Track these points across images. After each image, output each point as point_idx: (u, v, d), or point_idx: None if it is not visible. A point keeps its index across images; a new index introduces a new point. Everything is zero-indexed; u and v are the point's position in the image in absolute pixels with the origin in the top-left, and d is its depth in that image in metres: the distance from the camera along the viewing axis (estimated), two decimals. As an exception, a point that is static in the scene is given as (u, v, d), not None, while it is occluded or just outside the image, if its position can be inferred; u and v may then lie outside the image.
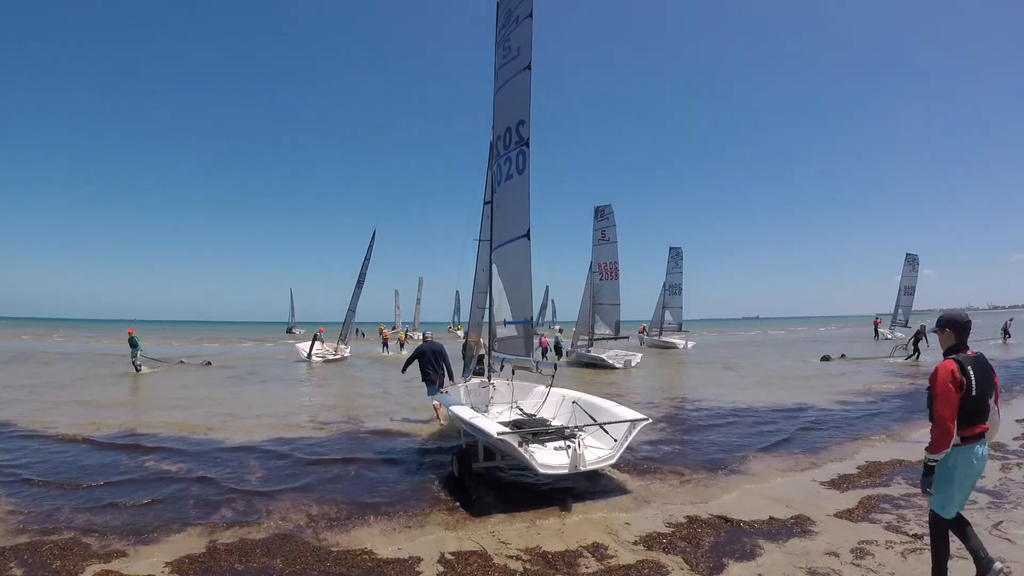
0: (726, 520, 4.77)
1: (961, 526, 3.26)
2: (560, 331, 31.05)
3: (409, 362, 9.25)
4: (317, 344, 25.47)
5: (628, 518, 4.90)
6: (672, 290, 33.17)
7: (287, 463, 6.98)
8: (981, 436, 3.18)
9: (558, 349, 23.93)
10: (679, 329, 32.93)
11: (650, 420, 6.35)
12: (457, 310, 58.27)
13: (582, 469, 5.32)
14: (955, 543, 3.33)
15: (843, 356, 21.34)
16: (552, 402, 7.34)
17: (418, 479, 6.25)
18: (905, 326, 36.95)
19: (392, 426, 9.31)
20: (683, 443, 7.82)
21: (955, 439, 3.12)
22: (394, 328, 37.25)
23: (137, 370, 17.94)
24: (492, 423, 6.00)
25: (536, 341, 22.52)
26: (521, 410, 7.27)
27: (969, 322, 3.33)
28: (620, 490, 5.70)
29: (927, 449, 3.17)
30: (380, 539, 4.51)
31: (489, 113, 7.50)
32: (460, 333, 50.85)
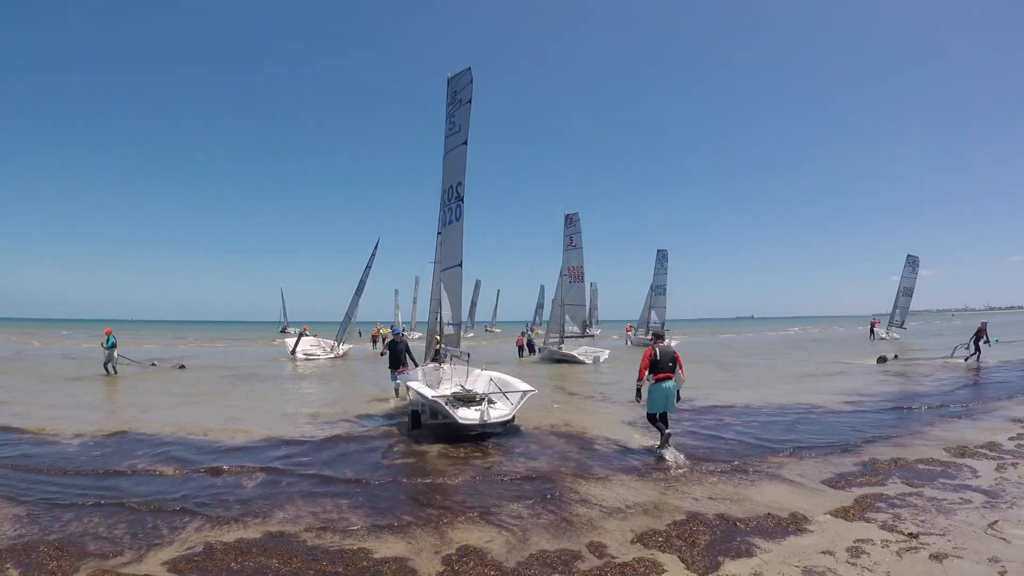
0: (722, 518, 4.78)
1: (663, 419, 7.09)
2: (532, 330, 31.93)
3: (389, 354, 12.12)
4: (312, 340, 26.38)
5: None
6: (657, 290, 34.07)
7: (280, 464, 6.97)
8: (665, 379, 6.95)
9: (531, 347, 25.97)
10: (662, 328, 33.47)
11: (536, 391, 9.20)
12: None
13: (488, 421, 7.94)
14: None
15: (896, 357, 20.75)
16: (482, 380, 10.06)
17: (400, 467, 6.35)
18: (901, 327, 37.11)
19: (373, 409, 10.95)
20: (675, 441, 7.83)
21: (650, 379, 6.97)
22: (392, 327, 38.09)
23: (107, 373, 16.98)
24: (429, 391, 8.80)
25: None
26: (461, 386, 9.57)
27: (661, 332, 7.84)
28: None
29: (637, 380, 7.11)
30: (377, 537, 4.50)
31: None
32: None
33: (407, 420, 8.92)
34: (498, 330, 62.19)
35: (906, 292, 37.21)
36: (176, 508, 5.26)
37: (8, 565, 4.05)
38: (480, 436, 8.06)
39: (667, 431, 6.98)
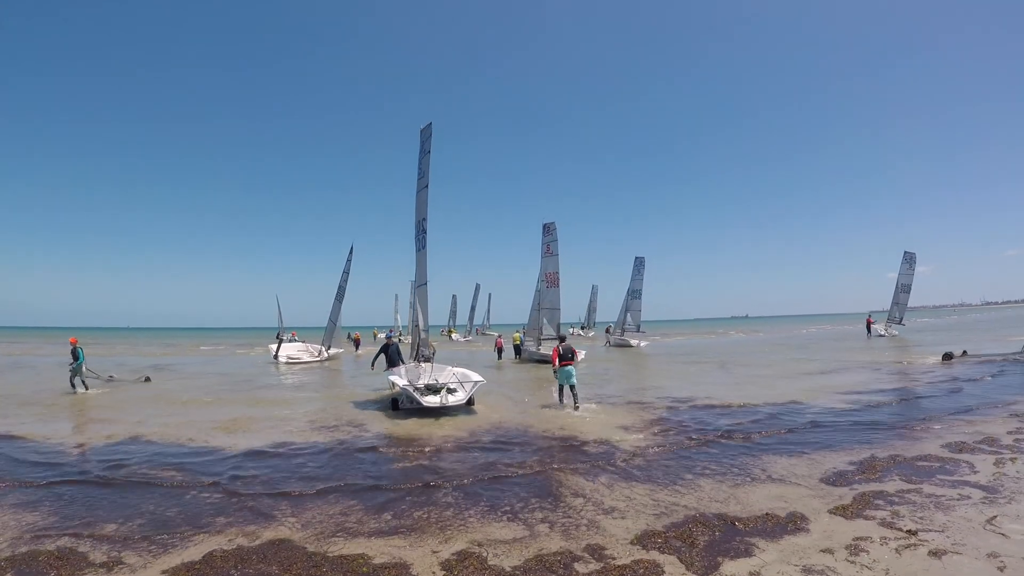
0: (721, 518, 4.79)
1: (572, 388, 10.81)
2: (519, 331, 32.56)
3: (376, 356, 13.44)
4: (300, 345, 27.97)
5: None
6: (633, 294, 35.33)
7: (277, 468, 6.96)
8: (568, 364, 10.81)
9: (517, 350, 26.89)
10: (637, 330, 35.28)
11: (485, 381, 11.67)
12: (453, 314, 58.97)
13: (446, 404, 10.56)
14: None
15: (964, 353, 19.38)
16: (448, 374, 12.11)
17: (397, 470, 6.35)
18: (900, 323, 37.20)
19: (362, 407, 11.22)
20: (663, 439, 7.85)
21: (558, 364, 10.89)
22: (390, 331, 38.76)
23: (74, 388, 14.35)
24: (402, 381, 10.96)
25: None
26: (436, 379, 11.47)
27: (563, 334, 14.50)
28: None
29: (552, 365, 11.30)
30: (375, 542, 4.50)
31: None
32: (453, 336, 51.82)
33: (389, 406, 11.14)
34: (493, 333, 62.67)
35: (904, 288, 37.40)
36: (174, 517, 5.25)
37: (9, 574, 4.05)
38: (444, 415, 10.27)
39: (576, 394, 10.76)
